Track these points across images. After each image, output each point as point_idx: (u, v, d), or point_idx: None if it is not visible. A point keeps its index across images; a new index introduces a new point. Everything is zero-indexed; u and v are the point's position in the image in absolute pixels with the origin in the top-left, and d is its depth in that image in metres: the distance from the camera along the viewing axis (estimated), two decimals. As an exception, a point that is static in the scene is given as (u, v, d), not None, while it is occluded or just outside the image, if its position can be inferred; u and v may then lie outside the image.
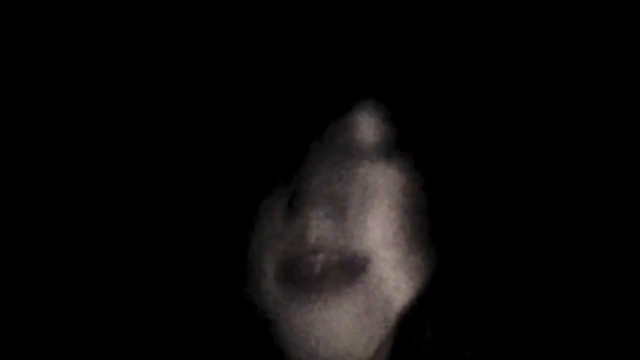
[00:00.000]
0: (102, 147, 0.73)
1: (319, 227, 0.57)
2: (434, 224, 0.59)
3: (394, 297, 0.58)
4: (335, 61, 0.59)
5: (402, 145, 0.59)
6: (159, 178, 0.69)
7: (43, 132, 0.74)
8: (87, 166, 0.73)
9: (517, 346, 0.59)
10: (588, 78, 0.63)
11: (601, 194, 0.63)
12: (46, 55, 0.73)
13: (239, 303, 0.62)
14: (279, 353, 0.60)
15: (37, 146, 0.74)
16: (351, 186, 0.58)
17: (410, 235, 0.58)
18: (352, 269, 0.58)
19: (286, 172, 0.60)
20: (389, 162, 0.59)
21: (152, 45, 0.69)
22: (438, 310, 0.59)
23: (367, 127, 0.59)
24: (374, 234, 0.58)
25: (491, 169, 0.60)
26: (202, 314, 0.66)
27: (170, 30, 0.68)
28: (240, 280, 0.62)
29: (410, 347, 0.58)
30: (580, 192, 0.62)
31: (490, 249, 0.61)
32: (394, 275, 0.58)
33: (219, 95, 0.63)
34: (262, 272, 0.60)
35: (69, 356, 0.70)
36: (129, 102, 0.71)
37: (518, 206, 0.61)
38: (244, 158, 0.62)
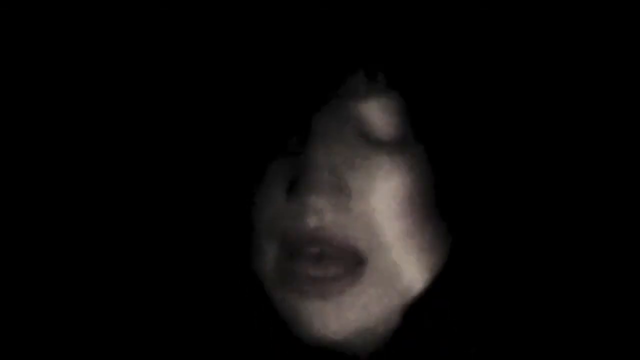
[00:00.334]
0: (97, 135, 0.72)
1: (318, 216, 0.57)
2: (443, 218, 0.58)
3: (399, 291, 0.58)
4: (349, 50, 0.58)
5: (414, 138, 0.58)
6: (162, 151, 0.68)
7: (43, 132, 0.74)
8: (84, 159, 0.73)
9: (522, 342, 0.59)
10: (597, 76, 0.63)
11: (614, 195, 0.63)
12: (46, 55, 0.73)
13: (246, 277, 0.62)
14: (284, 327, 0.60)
15: (37, 146, 0.74)
16: (357, 178, 0.57)
17: (417, 230, 0.57)
18: (349, 263, 0.57)
19: (292, 154, 0.59)
20: (399, 156, 0.58)
21: (146, 34, 0.69)
22: (444, 304, 0.59)
23: (380, 119, 0.58)
24: (376, 229, 0.57)
25: (502, 163, 0.60)
26: (209, 290, 0.66)
27: (164, 16, 0.68)
28: (246, 254, 0.61)
29: (416, 341, 0.58)
30: (589, 191, 0.62)
31: (499, 244, 0.60)
32: (398, 270, 0.58)
33: (226, 73, 0.62)
34: (263, 251, 0.59)
35: (69, 356, 0.70)
36: (122, 88, 0.71)
37: (527, 203, 0.60)
38: (250, 134, 0.61)
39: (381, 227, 0.57)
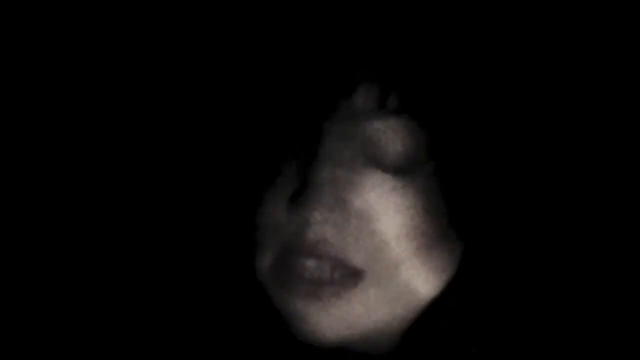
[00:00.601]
0: (102, 136, 0.73)
1: (317, 229, 0.57)
2: (451, 237, 0.58)
3: (402, 303, 0.58)
4: (360, 70, 0.58)
5: (423, 159, 0.58)
6: (166, 159, 0.68)
7: (43, 132, 0.74)
8: (88, 160, 0.73)
9: (522, 343, 0.59)
10: (598, 79, 0.63)
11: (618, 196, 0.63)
12: (46, 55, 0.73)
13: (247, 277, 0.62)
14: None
15: (37, 146, 0.74)
16: (360, 196, 0.57)
17: (422, 250, 0.57)
18: (345, 279, 0.57)
19: (300, 165, 0.59)
20: (405, 177, 0.58)
21: (155, 37, 0.69)
22: (447, 306, 0.59)
23: (388, 139, 0.58)
24: (376, 247, 0.57)
25: (513, 184, 0.60)
26: (210, 289, 0.66)
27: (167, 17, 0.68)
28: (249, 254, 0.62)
29: (419, 341, 0.59)
30: (601, 208, 0.62)
31: (501, 248, 0.61)
32: (400, 284, 0.58)
33: (230, 83, 0.62)
34: (264, 253, 0.60)
35: (70, 356, 0.70)
36: (129, 91, 0.71)
37: (537, 221, 0.60)
38: (258, 142, 0.61)
39: (381, 246, 0.57)
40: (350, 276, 0.57)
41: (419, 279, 0.58)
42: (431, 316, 0.59)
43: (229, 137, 0.63)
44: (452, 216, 0.58)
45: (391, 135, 0.58)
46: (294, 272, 0.57)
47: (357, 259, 0.57)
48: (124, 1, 0.70)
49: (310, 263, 0.57)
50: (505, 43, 0.59)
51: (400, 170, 0.58)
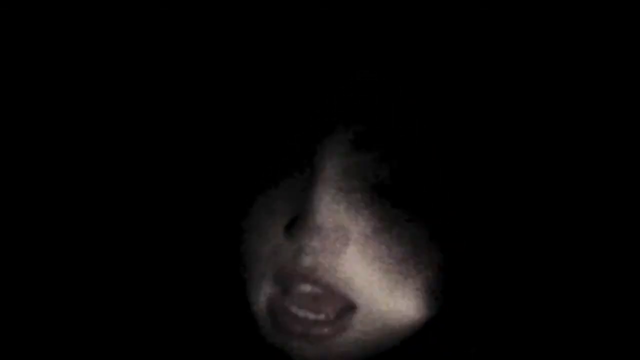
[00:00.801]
0: (95, 148, 0.73)
1: (314, 257, 0.57)
2: (442, 263, 0.59)
3: (392, 334, 0.59)
4: (356, 101, 0.58)
5: (412, 189, 0.58)
6: (161, 183, 0.69)
7: (40, 132, 0.74)
8: (78, 167, 0.73)
9: (520, 344, 0.59)
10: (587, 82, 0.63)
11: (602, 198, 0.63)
12: (46, 55, 0.73)
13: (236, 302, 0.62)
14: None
15: (34, 146, 0.74)
16: (358, 224, 0.57)
17: (416, 276, 0.58)
18: (339, 307, 0.58)
19: (293, 189, 0.59)
20: (402, 206, 0.58)
21: (150, 42, 0.69)
22: (444, 310, 0.59)
23: (386, 168, 0.58)
24: (371, 275, 0.57)
25: (502, 214, 0.61)
26: (201, 314, 0.66)
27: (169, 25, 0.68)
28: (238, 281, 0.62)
29: (417, 344, 0.59)
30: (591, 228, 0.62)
31: (492, 252, 0.61)
32: (392, 315, 0.58)
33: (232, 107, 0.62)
34: (256, 284, 0.60)
35: (68, 356, 0.70)
36: (128, 104, 0.71)
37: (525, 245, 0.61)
38: (252, 167, 0.61)
39: (377, 273, 0.57)
40: (344, 311, 0.58)
41: (410, 305, 0.58)
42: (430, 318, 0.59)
43: (221, 153, 0.63)
44: (443, 249, 0.59)
45: (387, 163, 0.58)
46: (288, 314, 0.58)
47: (351, 285, 0.57)
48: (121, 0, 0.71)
49: (305, 289, 0.57)
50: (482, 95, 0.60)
51: (395, 199, 0.58)
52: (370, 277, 0.57)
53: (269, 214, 0.59)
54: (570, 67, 0.62)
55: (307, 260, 0.57)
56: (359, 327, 0.58)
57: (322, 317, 0.58)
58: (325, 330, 0.57)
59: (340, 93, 0.58)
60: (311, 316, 0.57)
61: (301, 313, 0.58)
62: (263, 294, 0.60)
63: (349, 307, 0.58)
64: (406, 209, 0.58)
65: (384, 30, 0.59)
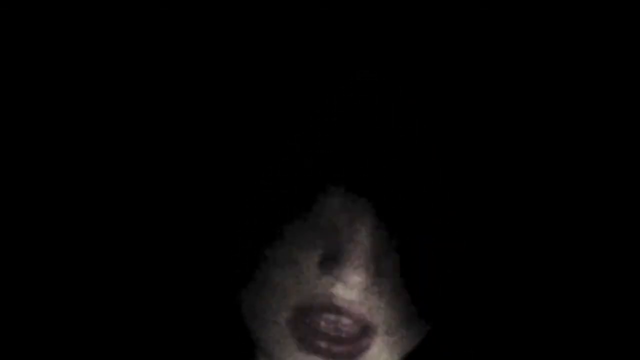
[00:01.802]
0: (91, 151, 0.72)
1: (349, 291, 0.58)
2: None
3: (400, 351, 0.62)
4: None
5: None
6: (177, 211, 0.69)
7: (39, 132, 0.73)
8: (73, 171, 0.73)
9: (518, 346, 0.60)
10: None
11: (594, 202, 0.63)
12: (46, 55, 0.73)
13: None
14: None
15: (34, 146, 0.74)
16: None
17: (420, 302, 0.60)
18: (362, 336, 0.60)
19: (320, 225, 0.60)
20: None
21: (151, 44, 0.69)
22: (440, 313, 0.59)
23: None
24: (391, 307, 0.60)
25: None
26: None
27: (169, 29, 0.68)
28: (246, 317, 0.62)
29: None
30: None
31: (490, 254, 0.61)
32: (403, 338, 0.61)
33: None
34: (280, 312, 0.61)
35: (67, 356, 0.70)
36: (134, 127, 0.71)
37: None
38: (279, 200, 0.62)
39: (397, 305, 0.59)
40: (366, 332, 0.60)
41: (416, 330, 0.61)
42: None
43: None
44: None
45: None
46: (314, 328, 0.59)
47: (376, 318, 0.60)
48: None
49: (331, 318, 0.59)
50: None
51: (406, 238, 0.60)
52: (391, 308, 0.59)
53: (295, 245, 0.60)
54: (570, 67, 0.62)
55: (343, 294, 0.58)
56: (375, 348, 0.60)
57: (345, 335, 0.59)
58: (349, 348, 0.58)
59: (340, 93, 0.58)
60: (336, 333, 0.59)
61: (326, 330, 0.58)
62: (287, 315, 0.60)
63: (369, 329, 0.60)
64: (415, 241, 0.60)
65: (384, 30, 0.59)
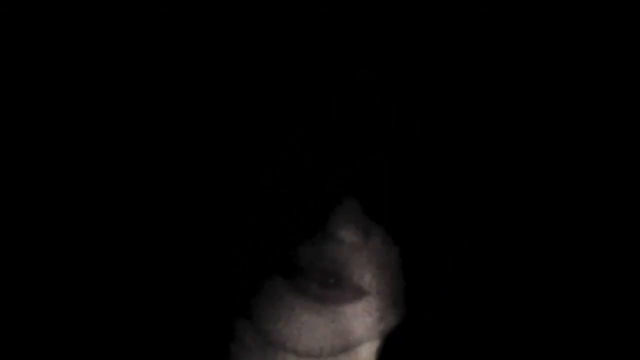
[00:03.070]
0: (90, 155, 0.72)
1: (339, 247, 0.59)
2: None
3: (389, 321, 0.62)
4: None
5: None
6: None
7: (38, 132, 0.73)
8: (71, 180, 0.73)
9: (517, 346, 0.60)
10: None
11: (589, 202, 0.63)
12: (46, 55, 0.73)
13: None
14: None
15: (34, 145, 0.74)
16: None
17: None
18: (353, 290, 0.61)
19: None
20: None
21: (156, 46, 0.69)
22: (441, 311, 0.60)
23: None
24: (377, 273, 0.61)
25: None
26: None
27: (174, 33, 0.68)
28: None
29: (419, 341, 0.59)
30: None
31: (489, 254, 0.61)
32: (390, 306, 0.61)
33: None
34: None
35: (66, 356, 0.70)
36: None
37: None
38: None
39: (384, 273, 0.61)
40: (354, 290, 0.60)
41: (401, 306, 0.62)
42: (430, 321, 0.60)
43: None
44: None
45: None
46: (306, 275, 0.60)
47: (364, 280, 0.61)
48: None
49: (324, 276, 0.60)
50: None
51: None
52: (380, 272, 0.60)
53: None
54: (570, 67, 0.62)
55: (332, 251, 0.59)
56: (362, 307, 0.60)
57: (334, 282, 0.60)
58: (342, 293, 0.59)
59: (340, 93, 0.58)
60: (330, 280, 0.60)
61: (315, 288, 0.59)
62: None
63: (358, 288, 0.60)
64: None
65: (384, 30, 0.59)
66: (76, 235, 0.72)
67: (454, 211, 0.60)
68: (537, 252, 0.63)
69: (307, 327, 0.59)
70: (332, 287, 0.60)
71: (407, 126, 0.59)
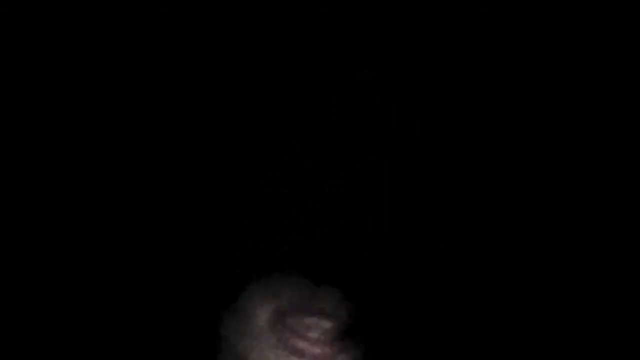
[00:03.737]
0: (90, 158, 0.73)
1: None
2: None
3: None
4: None
5: None
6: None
7: (40, 132, 0.74)
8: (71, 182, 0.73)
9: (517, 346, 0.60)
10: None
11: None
12: (46, 55, 0.73)
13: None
14: None
15: (34, 146, 0.74)
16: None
17: None
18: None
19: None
20: None
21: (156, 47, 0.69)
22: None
23: None
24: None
25: None
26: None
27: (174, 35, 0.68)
28: None
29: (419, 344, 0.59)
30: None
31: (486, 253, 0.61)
32: None
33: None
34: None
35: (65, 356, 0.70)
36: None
37: None
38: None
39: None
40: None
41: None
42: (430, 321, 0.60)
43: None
44: None
45: None
46: (293, 330, 0.60)
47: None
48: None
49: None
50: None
51: None
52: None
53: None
54: (570, 67, 0.62)
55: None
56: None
57: (323, 338, 0.60)
58: (326, 349, 0.59)
59: (340, 93, 0.59)
60: (315, 335, 0.60)
61: (306, 332, 0.60)
62: (265, 314, 0.61)
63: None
64: None
65: (384, 30, 0.59)
66: (76, 235, 0.73)
67: (454, 211, 0.60)
68: (537, 252, 0.63)
69: None
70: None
71: (407, 126, 0.60)
